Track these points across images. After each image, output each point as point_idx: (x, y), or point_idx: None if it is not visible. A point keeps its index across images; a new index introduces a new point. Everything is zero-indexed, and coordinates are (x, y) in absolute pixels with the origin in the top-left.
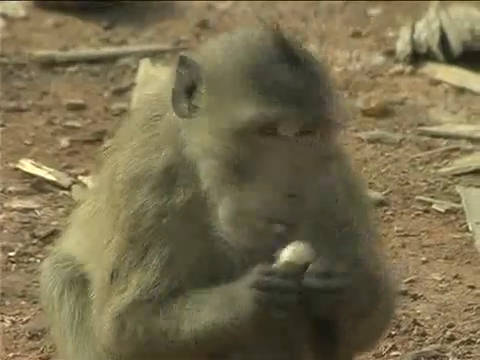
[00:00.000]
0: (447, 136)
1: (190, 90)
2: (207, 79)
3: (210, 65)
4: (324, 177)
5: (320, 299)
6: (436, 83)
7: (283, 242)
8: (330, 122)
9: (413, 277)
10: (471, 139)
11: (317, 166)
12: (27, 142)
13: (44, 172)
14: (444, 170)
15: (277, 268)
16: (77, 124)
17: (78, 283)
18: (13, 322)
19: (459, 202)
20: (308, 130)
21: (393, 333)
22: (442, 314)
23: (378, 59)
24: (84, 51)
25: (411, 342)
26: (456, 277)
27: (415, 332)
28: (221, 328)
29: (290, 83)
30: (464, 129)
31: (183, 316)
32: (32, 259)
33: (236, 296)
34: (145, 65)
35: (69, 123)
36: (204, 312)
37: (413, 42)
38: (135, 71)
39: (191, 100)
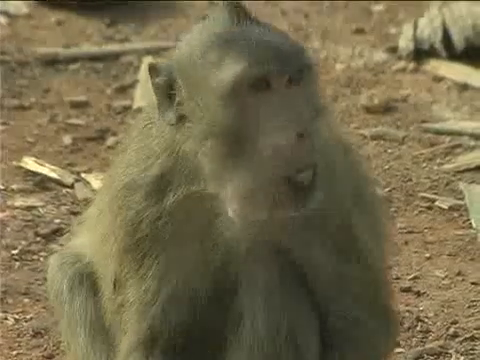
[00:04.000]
0: (450, 133)
1: (171, 95)
2: (181, 71)
3: (181, 58)
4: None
5: None
6: (439, 80)
7: (310, 190)
8: (313, 69)
9: (416, 274)
10: (474, 135)
11: (311, 117)
12: (30, 140)
13: (47, 170)
14: (447, 167)
15: None
16: (80, 122)
17: (88, 278)
18: (16, 320)
19: (462, 199)
20: (297, 80)
21: None
22: (445, 311)
23: (381, 56)
24: (86, 48)
25: (414, 339)
26: (459, 274)
27: (418, 329)
28: None
29: (267, 38)
30: (467, 126)
31: None
32: (35, 257)
33: None
34: (148, 62)
35: (72, 121)
36: None
37: (416, 39)
38: (138, 68)
39: (174, 106)
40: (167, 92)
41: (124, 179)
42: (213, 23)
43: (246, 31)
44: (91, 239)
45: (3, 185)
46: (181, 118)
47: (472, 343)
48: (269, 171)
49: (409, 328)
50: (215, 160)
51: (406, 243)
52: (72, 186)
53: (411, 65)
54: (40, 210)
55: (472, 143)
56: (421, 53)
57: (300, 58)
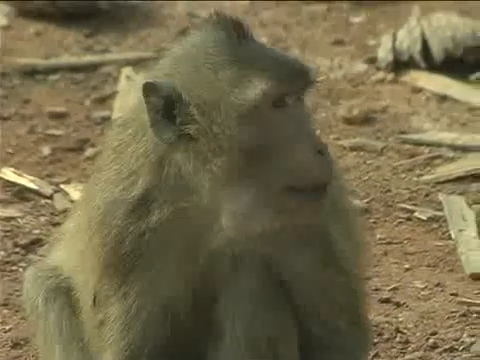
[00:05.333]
0: (429, 144)
1: (167, 114)
2: (190, 90)
3: (186, 77)
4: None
5: None
6: (418, 91)
7: (321, 203)
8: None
9: (396, 285)
10: (453, 147)
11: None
12: (9, 150)
13: (26, 180)
14: (426, 178)
15: None
16: (59, 132)
17: (63, 293)
18: None
19: (441, 210)
20: (300, 95)
21: (376, 341)
22: (425, 322)
23: (360, 67)
24: (66, 59)
25: (394, 350)
26: (439, 285)
27: (398, 340)
28: None
29: (281, 56)
30: (446, 137)
31: None
32: (14, 268)
33: None
34: (127, 73)
35: (51, 131)
36: None
37: (395, 50)
38: (117, 79)
39: (175, 123)
40: (165, 111)
41: (105, 197)
42: (214, 40)
43: (257, 49)
44: (69, 254)
45: None
46: (180, 137)
47: (451, 354)
48: (283, 185)
49: (388, 339)
50: (222, 176)
51: (385, 254)
52: (51, 197)
53: (390, 76)
54: (19, 221)
55: (451, 154)
56: (400, 64)
57: (311, 75)
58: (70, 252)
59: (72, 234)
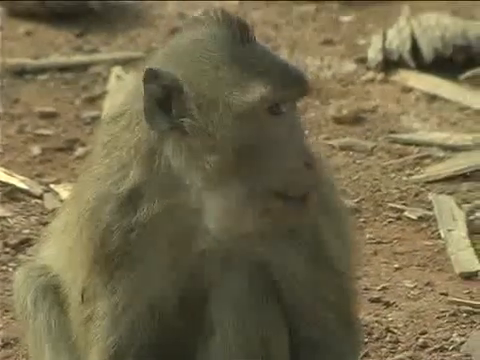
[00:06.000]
0: (419, 143)
1: (163, 104)
2: (192, 84)
3: (188, 71)
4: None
5: None
6: (408, 90)
7: (303, 211)
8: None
9: (385, 284)
10: (443, 146)
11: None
12: None
13: (16, 180)
14: (416, 177)
15: None
16: (49, 132)
17: (52, 292)
18: None
19: (431, 209)
20: (296, 102)
21: (366, 340)
22: (415, 321)
23: (350, 66)
24: (55, 59)
25: (384, 349)
26: (428, 284)
27: (388, 339)
28: None
29: (283, 62)
30: (436, 136)
31: None
32: (4, 267)
33: None
34: (117, 73)
35: (41, 131)
36: None
37: (384, 49)
38: (107, 79)
39: (171, 113)
40: (162, 100)
41: (94, 192)
42: (218, 38)
43: (259, 51)
44: (58, 252)
45: None
46: (173, 129)
47: (441, 354)
48: (270, 189)
49: (378, 339)
50: (211, 174)
51: (375, 253)
52: (41, 197)
53: (380, 76)
54: (9, 221)
55: (441, 154)
56: (390, 64)
57: (307, 83)
58: (59, 249)
59: (61, 231)
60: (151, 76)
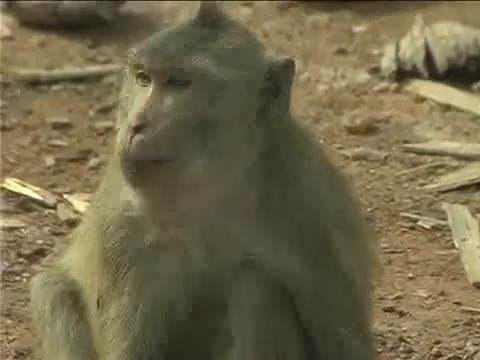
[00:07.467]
0: (432, 153)
1: None
2: None
3: None
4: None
5: None
6: (421, 100)
7: (137, 183)
8: (203, 77)
9: (399, 294)
10: (456, 156)
11: (194, 125)
12: (12, 161)
13: (29, 191)
14: (429, 187)
15: None
16: (62, 143)
17: (69, 298)
18: None
19: (445, 219)
20: (179, 82)
21: (379, 350)
22: (428, 331)
23: (363, 76)
24: (69, 70)
25: (398, 359)
26: (442, 294)
27: (401, 349)
28: None
29: (174, 37)
30: (449, 146)
31: None
32: (18, 278)
33: None
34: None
35: (54, 142)
36: None
37: (398, 59)
38: (120, 89)
39: None
40: None
41: (105, 201)
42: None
43: (179, 29)
44: (79, 256)
45: None
46: None
47: None
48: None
49: (392, 348)
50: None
51: (389, 263)
52: (54, 207)
53: (393, 86)
54: (23, 231)
55: (454, 163)
56: (403, 74)
57: (185, 62)
58: (80, 254)
59: (81, 237)
60: None
